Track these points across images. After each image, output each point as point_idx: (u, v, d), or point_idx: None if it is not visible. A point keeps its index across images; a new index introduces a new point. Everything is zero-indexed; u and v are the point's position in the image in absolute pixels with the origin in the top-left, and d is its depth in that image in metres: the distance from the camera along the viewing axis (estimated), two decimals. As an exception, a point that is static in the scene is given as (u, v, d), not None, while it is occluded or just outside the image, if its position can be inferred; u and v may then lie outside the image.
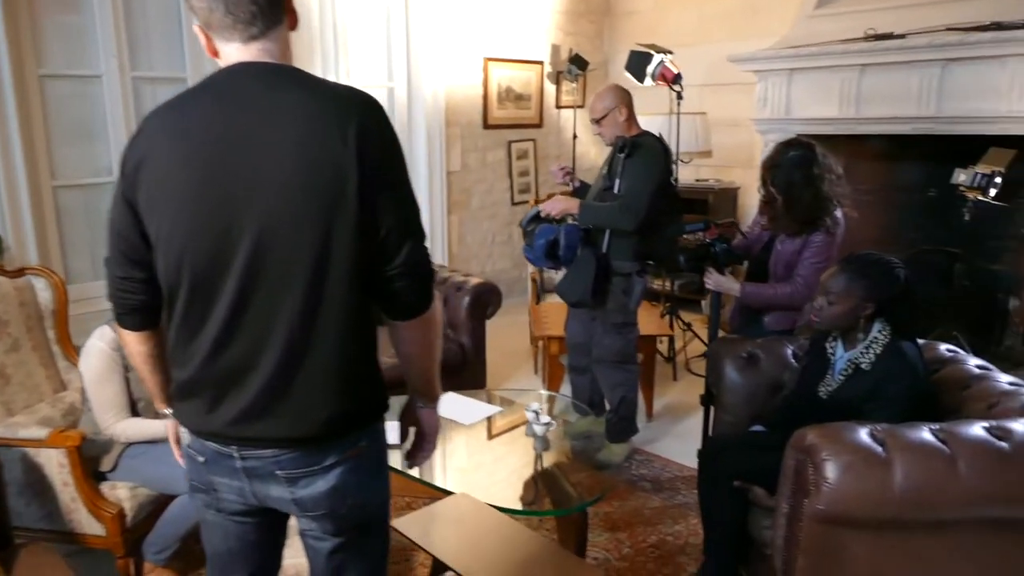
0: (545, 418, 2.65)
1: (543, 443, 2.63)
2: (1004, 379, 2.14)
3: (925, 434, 1.77)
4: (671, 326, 4.50)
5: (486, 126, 5.64)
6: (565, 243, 2.97)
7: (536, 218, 3.12)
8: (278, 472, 1.34)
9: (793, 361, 2.45)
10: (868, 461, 1.70)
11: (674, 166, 4.50)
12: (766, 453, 2.15)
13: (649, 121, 4.65)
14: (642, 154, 2.91)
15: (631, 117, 3.07)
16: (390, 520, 1.62)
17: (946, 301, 4.00)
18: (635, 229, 2.90)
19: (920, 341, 2.47)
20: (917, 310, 2.09)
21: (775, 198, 2.71)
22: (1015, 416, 1.90)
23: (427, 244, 1.34)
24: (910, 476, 1.69)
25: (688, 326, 4.74)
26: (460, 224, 5.64)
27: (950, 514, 1.73)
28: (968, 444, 1.74)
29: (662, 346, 4.53)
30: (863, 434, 1.77)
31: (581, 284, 2.98)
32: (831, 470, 1.70)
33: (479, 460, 2.68)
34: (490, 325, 4.42)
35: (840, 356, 2.15)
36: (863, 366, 2.04)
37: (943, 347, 2.41)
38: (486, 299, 3.93)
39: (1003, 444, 1.74)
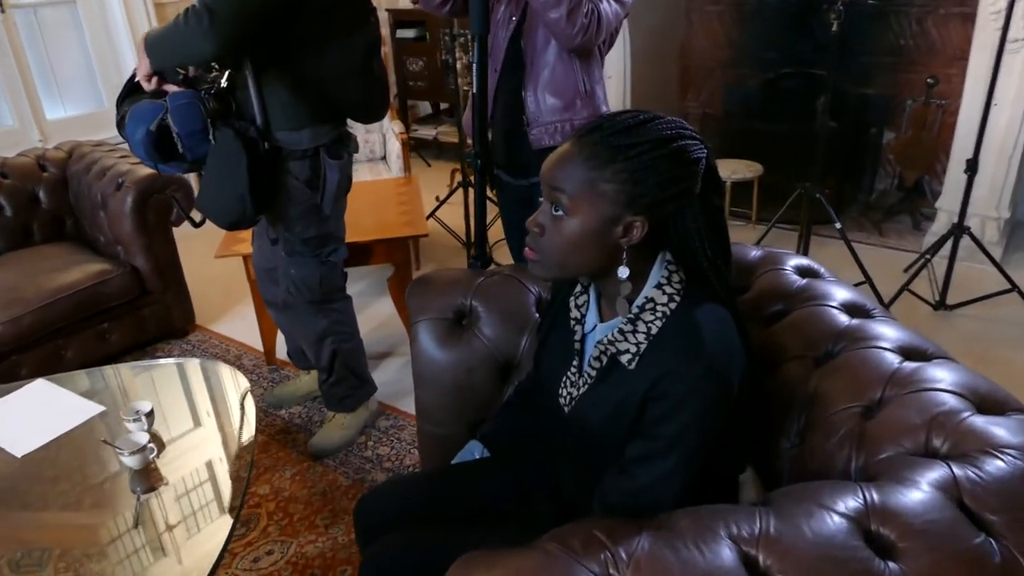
0: (143, 436, 1.52)
1: (141, 483, 1.52)
2: (892, 334, 1.15)
3: (724, 552, 0.77)
4: (465, 203, 3.35)
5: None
6: (180, 127, 1.70)
7: (134, 90, 1.80)
8: None
9: (537, 316, 1.38)
10: None
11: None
12: (465, 530, 1.14)
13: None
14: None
15: None
16: None
17: (808, 143, 3.02)
18: (220, 49, 1.60)
19: (754, 253, 1.46)
20: (724, 233, 1.02)
21: None
22: (913, 459, 0.92)
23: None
24: None
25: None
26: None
27: None
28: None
29: (456, 222, 3.41)
30: (583, 588, 0.74)
31: (230, 191, 1.75)
32: None
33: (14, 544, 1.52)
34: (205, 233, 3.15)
35: (592, 329, 1.08)
36: (624, 360, 0.98)
37: (792, 264, 1.39)
38: (162, 200, 2.63)
39: (892, 569, 0.75)
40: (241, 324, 2.88)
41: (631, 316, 0.97)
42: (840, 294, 1.28)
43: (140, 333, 2.70)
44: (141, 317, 2.68)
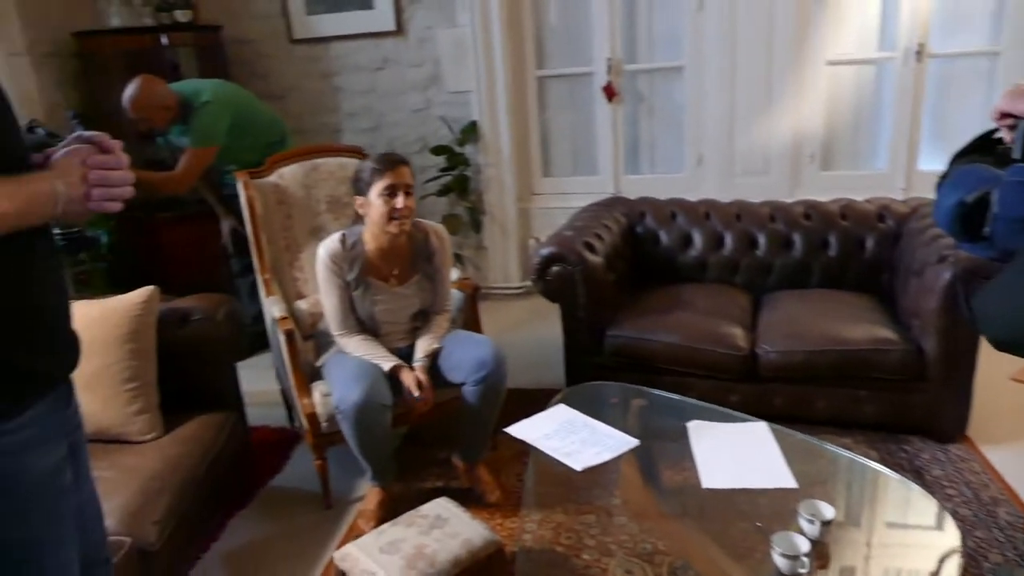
0: (804, 544, 1.28)
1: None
2: None
3: None
4: None
5: None
6: (1002, 208, 1.28)
7: (980, 148, 1.45)
8: None
9: None
10: None
11: None
12: None
13: None
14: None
15: None
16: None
17: None
18: None
19: None
20: None
21: None
22: None
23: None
24: None
25: None
26: None
27: None
28: None
29: None
30: None
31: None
32: None
33: None
34: None
35: None
36: None
37: None
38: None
39: None
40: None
41: None
42: None
43: (895, 416, 2.40)
44: (905, 401, 2.37)
